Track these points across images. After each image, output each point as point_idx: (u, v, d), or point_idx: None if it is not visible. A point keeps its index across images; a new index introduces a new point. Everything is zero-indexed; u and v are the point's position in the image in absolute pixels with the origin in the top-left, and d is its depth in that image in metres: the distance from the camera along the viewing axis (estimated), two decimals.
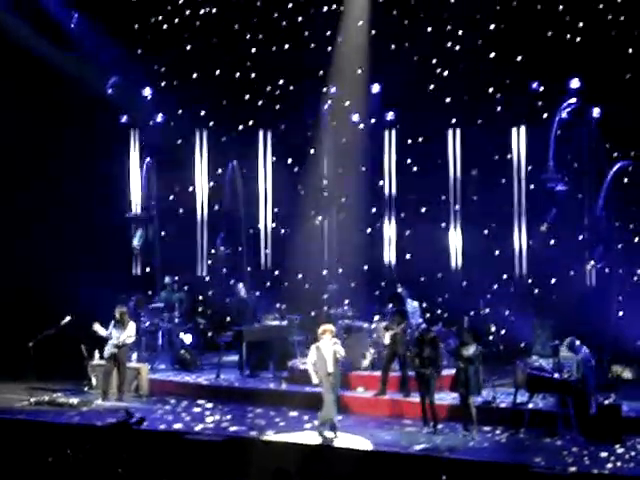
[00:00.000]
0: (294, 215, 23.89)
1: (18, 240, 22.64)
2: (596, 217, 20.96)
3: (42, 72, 22.26)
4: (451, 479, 13.47)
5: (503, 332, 21.28)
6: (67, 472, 12.11)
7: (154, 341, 22.13)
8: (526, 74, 21.45)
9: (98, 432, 15.19)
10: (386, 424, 17.81)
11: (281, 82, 23.58)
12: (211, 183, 24.59)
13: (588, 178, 21.51)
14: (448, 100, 22.45)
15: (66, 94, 22.45)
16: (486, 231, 22.42)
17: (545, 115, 21.64)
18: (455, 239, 22.94)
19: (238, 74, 23.65)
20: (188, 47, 23.52)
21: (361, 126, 23.32)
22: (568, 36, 21.28)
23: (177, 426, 17.45)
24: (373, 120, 23.30)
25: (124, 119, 24.00)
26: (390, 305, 19.66)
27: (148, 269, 24.16)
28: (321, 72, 23.04)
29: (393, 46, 22.50)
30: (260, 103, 23.82)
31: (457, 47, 22.19)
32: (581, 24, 21.25)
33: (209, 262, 24.57)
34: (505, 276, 22.36)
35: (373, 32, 22.52)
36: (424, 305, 21.32)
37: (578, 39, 21.23)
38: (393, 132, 23.46)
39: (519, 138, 22.29)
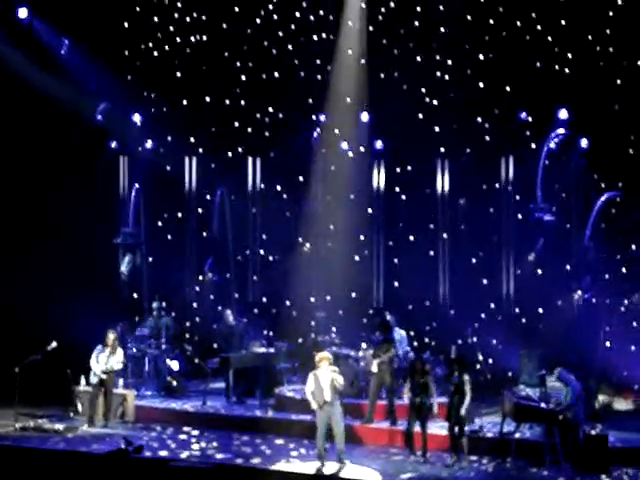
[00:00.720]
0: (282, 242, 23.92)
1: (3, 266, 22.55)
2: (583, 247, 21.03)
3: (31, 98, 22.24)
4: None
5: (491, 361, 21.28)
6: None
7: (140, 367, 22.04)
8: (515, 104, 21.60)
9: (95, 459, 15.02)
10: (373, 452, 17.76)
11: (271, 109, 23.67)
12: (200, 209, 24.60)
13: (576, 208, 21.61)
14: (437, 129, 22.56)
15: (55, 120, 22.46)
16: (474, 260, 22.48)
17: (533, 145, 21.77)
18: (443, 267, 22.98)
19: (228, 101, 23.74)
20: (178, 74, 23.59)
21: (350, 154, 23.40)
22: (557, 67, 21.45)
23: (163, 453, 17.36)
24: (362, 148, 23.39)
25: (113, 145, 24.02)
26: (378, 333, 19.64)
27: (136, 295, 24.11)
28: (311, 100, 23.18)
29: (383, 75, 22.65)
30: (250, 130, 23.89)
31: (446, 77, 22.34)
32: (570, 55, 21.41)
33: (197, 288, 24.55)
34: (492, 305, 22.40)
35: (363, 61, 22.68)
36: (412, 333, 21.33)
37: (567, 70, 21.38)
38: (382, 160, 23.55)
39: (507, 168, 22.39)
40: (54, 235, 22.85)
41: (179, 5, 23.35)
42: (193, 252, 24.57)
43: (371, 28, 22.66)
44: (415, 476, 16.24)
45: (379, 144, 23.35)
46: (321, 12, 22.96)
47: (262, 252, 24.45)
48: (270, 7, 23.12)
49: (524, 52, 21.43)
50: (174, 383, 21.57)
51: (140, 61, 23.54)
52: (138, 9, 23.13)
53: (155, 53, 23.61)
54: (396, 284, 23.28)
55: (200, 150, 24.35)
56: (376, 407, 18.96)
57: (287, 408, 20.05)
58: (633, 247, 21.08)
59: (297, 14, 23.07)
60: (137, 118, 23.86)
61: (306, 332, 23.00)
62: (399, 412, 18.43)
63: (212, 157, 24.18)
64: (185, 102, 23.66)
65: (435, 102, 22.51)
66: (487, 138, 22.23)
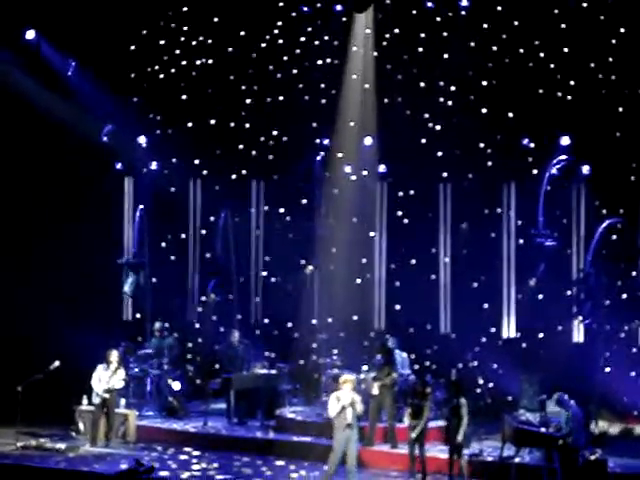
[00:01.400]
0: (285, 264, 24.02)
1: (6, 285, 22.64)
2: (585, 273, 21.12)
3: (37, 118, 22.40)
4: None
5: (491, 385, 21.37)
6: None
7: (142, 387, 22.10)
8: (517, 130, 21.73)
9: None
10: (373, 476, 17.82)
11: (275, 133, 23.80)
12: (203, 231, 24.73)
13: (577, 234, 21.74)
14: (440, 154, 22.68)
15: (61, 141, 22.61)
16: (475, 284, 22.57)
17: (535, 171, 21.90)
18: (444, 291, 23.08)
19: (232, 124, 23.85)
20: (184, 97, 23.72)
21: (353, 177, 23.54)
22: (559, 94, 21.58)
23: (163, 474, 17.40)
24: (365, 172, 23.53)
25: (119, 166, 24.15)
26: (379, 356, 19.70)
27: (139, 315, 24.20)
28: (315, 124, 23.32)
29: (386, 100, 22.78)
30: (254, 153, 24.02)
31: (449, 102, 22.46)
32: (572, 82, 21.56)
33: (200, 309, 24.64)
34: (493, 329, 22.49)
35: (367, 86, 22.81)
36: (412, 356, 21.41)
37: (569, 97, 21.52)
38: (385, 184, 23.69)
39: (509, 193, 22.52)
40: (57, 255, 22.96)
41: (185, 28, 23.46)
42: (196, 273, 24.67)
43: (375, 53, 22.81)
44: None
45: (382, 168, 23.48)
46: (326, 37, 23.09)
47: (265, 274, 24.55)
48: (276, 31, 23.24)
49: (527, 79, 21.57)
50: (175, 403, 21.63)
51: (146, 83, 23.67)
52: (144, 32, 23.27)
53: (161, 75, 23.72)
54: (397, 307, 23.36)
55: (204, 172, 24.47)
56: (376, 430, 19.05)
57: (288, 429, 20.14)
58: (634, 274, 21.16)
59: (302, 38, 23.21)
60: (142, 140, 23.99)
61: (307, 354, 23.09)
62: (400, 435, 18.49)
63: (216, 179, 24.27)
64: (190, 124, 23.78)
65: (438, 127, 22.63)
66: (489, 163, 22.36)
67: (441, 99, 22.48)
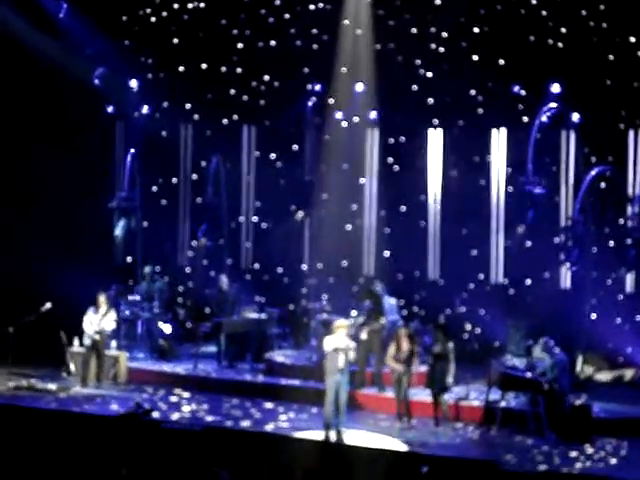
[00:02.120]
0: (276, 210, 24.11)
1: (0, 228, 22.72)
2: (573, 220, 21.23)
3: (28, 60, 22.33)
4: (419, 474, 13.62)
5: (478, 331, 21.56)
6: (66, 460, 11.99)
7: (133, 330, 22.27)
8: (508, 77, 21.71)
9: (107, 421, 15.15)
10: (361, 418, 18.03)
11: (266, 78, 23.75)
12: (194, 176, 24.77)
13: (566, 182, 21.83)
14: (431, 101, 22.70)
15: (52, 83, 22.53)
16: (464, 231, 22.67)
17: (525, 118, 21.93)
18: (433, 238, 23.20)
19: (224, 69, 23.78)
20: (175, 40, 23.63)
21: (344, 124, 23.55)
22: (550, 41, 21.52)
23: (154, 415, 17.60)
24: (357, 118, 23.54)
25: (110, 109, 24.10)
26: (367, 301, 19.83)
27: (130, 259, 24.30)
28: (306, 69, 23.28)
29: (378, 46, 22.72)
30: (245, 98, 23.99)
31: (441, 49, 22.41)
32: (564, 30, 21.50)
33: (190, 253, 24.76)
34: (481, 276, 22.65)
35: (359, 32, 22.74)
36: (401, 302, 21.57)
37: (560, 44, 21.47)
38: (376, 131, 23.71)
39: (499, 140, 22.58)
40: (49, 198, 23.01)
41: None
42: (187, 218, 24.75)
43: None
44: (402, 441, 16.54)
45: (373, 114, 23.49)
46: None
47: (255, 219, 24.63)
48: None
49: (518, 26, 21.51)
50: (166, 346, 21.81)
51: (138, 27, 23.56)
52: None
53: (153, 19, 23.62)
54: (387, 253, 23.49)
55: (196, 116, 24.46)
56: (365, 374, 19.25)
57: (277, 373, 20.35)
58: (621, 221, 21.28)
59: None
60: (134, 83, 23.94)
61: (297, 299, 23.26)
62: (386, 379, 18.71)
63: (207, 124, 24.27)
64: (181, 68, 23.72)
65: (429, 74, 22.63)
66: (480, 110, 22.38)
67: (433, 45, 22.42)
